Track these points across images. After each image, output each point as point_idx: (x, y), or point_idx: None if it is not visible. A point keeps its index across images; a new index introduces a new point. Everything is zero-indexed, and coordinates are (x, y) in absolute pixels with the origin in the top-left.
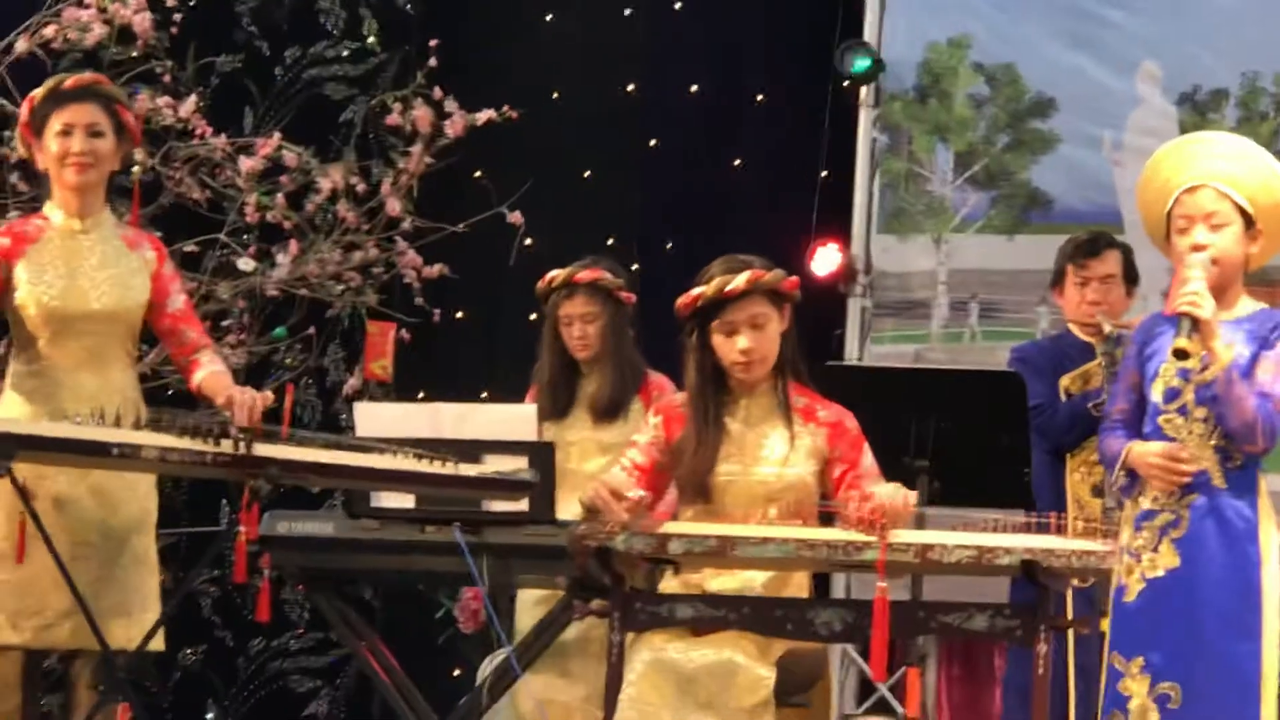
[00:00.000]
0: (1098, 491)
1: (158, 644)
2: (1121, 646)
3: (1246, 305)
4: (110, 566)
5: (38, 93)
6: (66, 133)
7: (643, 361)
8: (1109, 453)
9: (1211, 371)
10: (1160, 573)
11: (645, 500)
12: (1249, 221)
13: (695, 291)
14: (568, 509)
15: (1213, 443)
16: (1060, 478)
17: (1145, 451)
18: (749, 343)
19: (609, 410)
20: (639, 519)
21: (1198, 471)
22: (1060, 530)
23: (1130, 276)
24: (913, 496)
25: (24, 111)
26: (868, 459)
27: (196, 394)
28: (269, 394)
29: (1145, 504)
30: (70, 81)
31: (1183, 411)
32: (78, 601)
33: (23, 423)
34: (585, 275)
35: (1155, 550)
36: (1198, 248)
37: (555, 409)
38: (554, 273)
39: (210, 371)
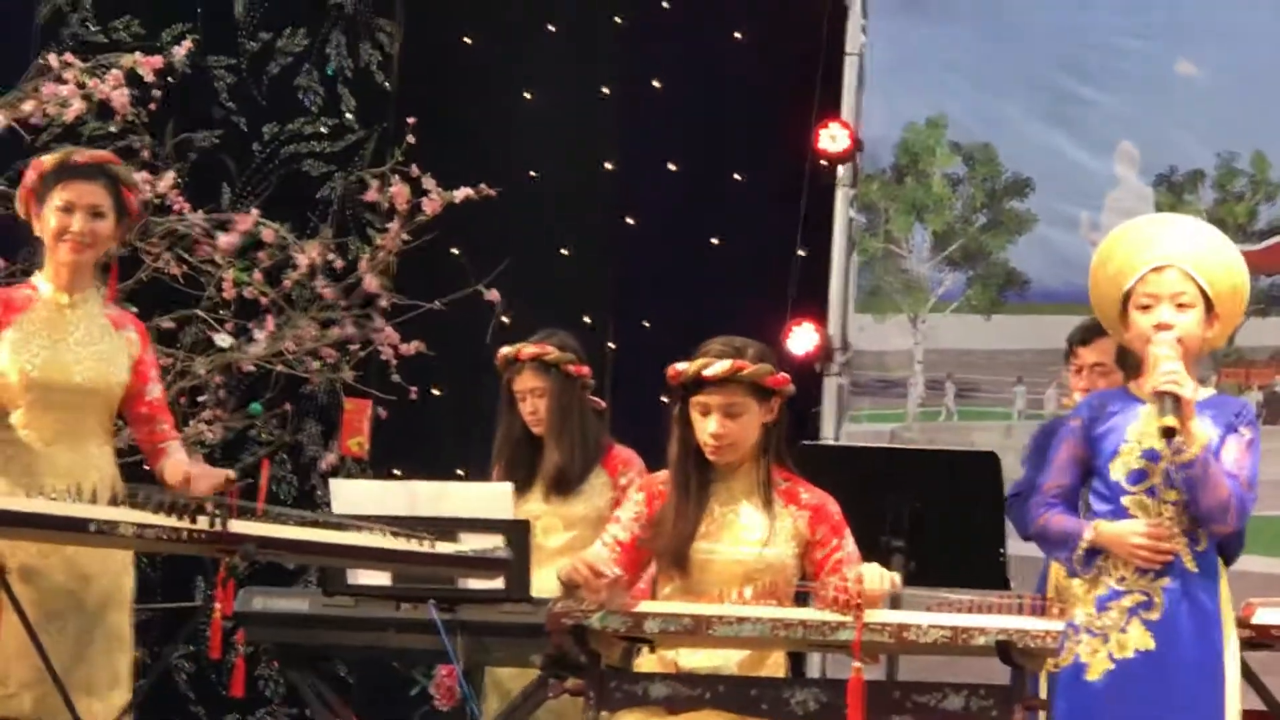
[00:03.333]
0: (1073, 573)
1: None
2: None
3: (1202, 390)
4: (82, 642)
5: (47, 161)
6: (68, 210)
7: (603, 433)
8: (1056, 528)
9: (1191, 452)
10: (1130, 653)
11: (623, 579)
12: (1209, 305)
13: (680, 366)
14: (535, 584)
15: (1182, 526)
16: (1047, 562)
17: (1124, 531)
18: (718, 428)
19: (561, 484)
20: (616, 597)
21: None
22: (1036, 611)
23: (1127, 362)
24: (897, 578)
25: (30, 176)
26: (849, 544)
27: (159, 480)
28: (231, 473)
29: (1111, 583)
30: (82, 157)
31: (1151, 493)
32: (49, 673)
33: None
34: (529, 351)
35: (1124, 630)
36: (1163, 326)
37: (515, 484)
38: (504, 349)
39: (173, 461)
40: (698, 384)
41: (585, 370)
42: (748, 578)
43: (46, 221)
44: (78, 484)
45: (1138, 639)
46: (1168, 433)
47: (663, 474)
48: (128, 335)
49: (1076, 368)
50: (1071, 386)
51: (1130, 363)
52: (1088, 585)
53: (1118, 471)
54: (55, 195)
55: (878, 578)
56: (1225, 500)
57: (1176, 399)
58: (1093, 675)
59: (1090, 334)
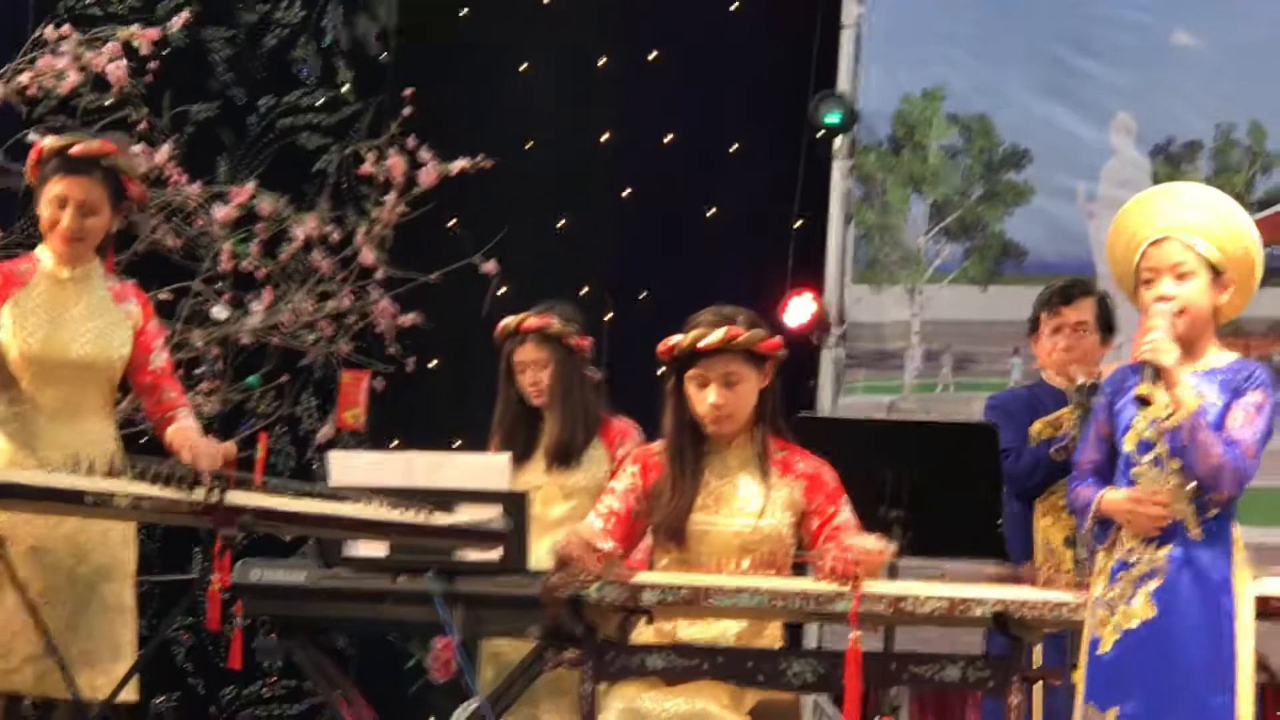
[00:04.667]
0: (1070, 541)
1: (130, 694)
2: (1096, 697)
3: (1219, 356)
4: (79, 614)
5: (47, 145)
6: (60, 204)
7: (602, 404)
8: (1079, 502)
9: (1176, 418)
10: (1135, 624)
11: (617, 552)
12: (1217, 271)
13: (673, 340)
14: (536, 554)
15: (1188, 494)
16: (1029, 524)
17: (1120, 498)
18: (718, 398)
19: (561, 455)
20: (611, 569)
21: (1173, 522)
22: (1029, 579)
23: (1106, 325)
24: (892, 547)
25: (32, 155)
26: (846, 511)
27: (168, 448)
28: (232, 446)
29: (1120, 555)
30: (79, 149)
31: (1157, 463)
32: (49, 648)
33: None
34: (532, 322)
35: (1130, 602)
36: (1163, 299)
37: (514, 455)
38: (505, 320)
39: (179, 427)
40: (692, 357)
41: (586, 342)
42: (745, 549)
43: (42, 208)
44: (76, 456)
45: (1143, 609)
46: (1141, 401)
47: (656, 444)
48: (128, 308)
49: (1056, 326)
50: (1044, 350)
51: (1106, 324)
52: (1105, 557)
53: (1130, 443)
54: (50, 185)
55: (868, 545)
56: (1216, 467)
57: (1156, 368)
58: (1104, 648)
59: (1073, 293)
